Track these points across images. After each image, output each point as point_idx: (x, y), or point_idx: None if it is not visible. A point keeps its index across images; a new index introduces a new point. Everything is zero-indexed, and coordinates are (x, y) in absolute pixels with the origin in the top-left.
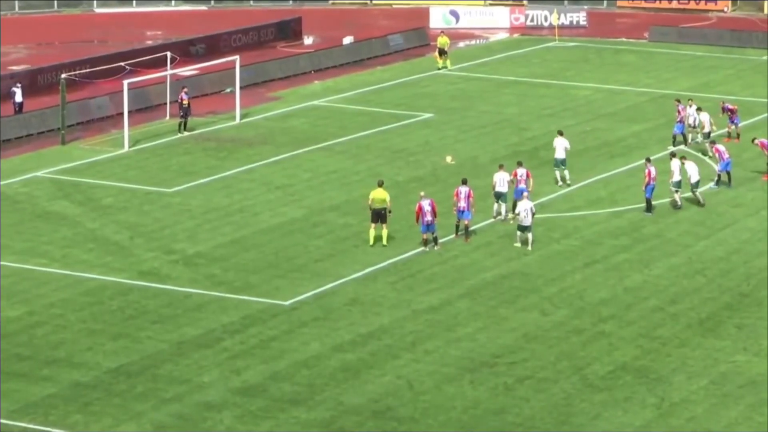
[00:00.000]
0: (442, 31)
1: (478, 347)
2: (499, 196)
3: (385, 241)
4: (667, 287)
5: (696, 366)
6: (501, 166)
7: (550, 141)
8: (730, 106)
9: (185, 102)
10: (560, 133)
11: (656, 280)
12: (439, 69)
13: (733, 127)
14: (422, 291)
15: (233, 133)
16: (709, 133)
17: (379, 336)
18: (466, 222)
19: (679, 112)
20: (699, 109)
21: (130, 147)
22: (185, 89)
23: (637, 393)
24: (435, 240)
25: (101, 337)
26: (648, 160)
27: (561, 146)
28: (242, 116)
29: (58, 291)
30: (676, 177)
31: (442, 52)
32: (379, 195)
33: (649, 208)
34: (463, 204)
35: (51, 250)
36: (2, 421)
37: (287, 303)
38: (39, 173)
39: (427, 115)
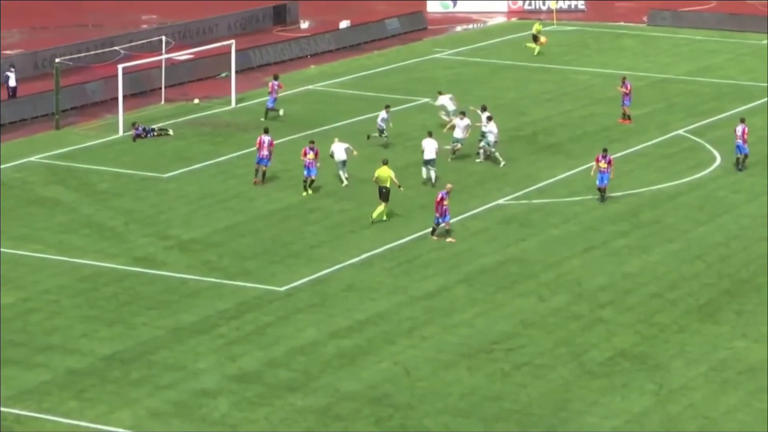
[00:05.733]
0: (539, 19)
1: (476, 333)
2: (427, 162)
3: (384, 216)
4: (666, 273)
5: (695, 352)
6: (430, 134)
7: (548, 126)
8: (628, 87)
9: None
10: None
11: (655, 266)
12: (535, 55)
13: (624, 108)
14: (419, 277)
15: (228, 117)
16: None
17: (375, 322)
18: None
19: (271, 89)
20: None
21: (124, 132)
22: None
23: (635, 379)
24: (447, 232)
25: (96, 323)
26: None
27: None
28: (238, 101)
29: (53, 277)
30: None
31: (536, 38)
32: (383, 173)
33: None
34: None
35: (46, 235)
36: None
37: (283, 289)
38: (33, 158)
39: (424, 100)
